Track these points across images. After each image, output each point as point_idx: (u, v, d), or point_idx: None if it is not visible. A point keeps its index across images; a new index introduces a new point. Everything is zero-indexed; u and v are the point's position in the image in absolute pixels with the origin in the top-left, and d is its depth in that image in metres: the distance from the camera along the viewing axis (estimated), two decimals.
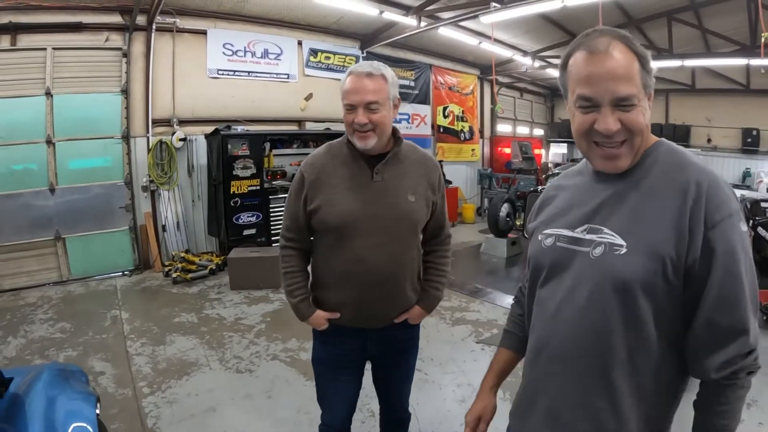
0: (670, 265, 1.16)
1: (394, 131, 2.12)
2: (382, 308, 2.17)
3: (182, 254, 7.75)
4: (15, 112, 6.87)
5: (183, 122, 8.40)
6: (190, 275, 7.23)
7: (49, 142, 7.11)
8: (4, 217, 6.88)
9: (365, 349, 2.26)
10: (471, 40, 10.57)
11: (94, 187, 7.55)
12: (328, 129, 9.73)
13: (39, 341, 5.00)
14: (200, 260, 7.67)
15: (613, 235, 1.23)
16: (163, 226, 8.08)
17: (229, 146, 7.81)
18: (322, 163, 2.11)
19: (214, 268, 7.53)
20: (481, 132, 14.95)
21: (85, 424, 2.16)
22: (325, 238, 2.13)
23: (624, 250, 1.19)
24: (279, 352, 4.77)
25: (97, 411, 2.43)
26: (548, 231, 1.39)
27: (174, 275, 7.14)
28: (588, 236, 1.28)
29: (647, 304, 1.18)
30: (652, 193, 1.21)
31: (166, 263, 7.67)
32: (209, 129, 8.28)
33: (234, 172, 7.86)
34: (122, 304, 6.25)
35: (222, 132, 7.85)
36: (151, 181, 7.97)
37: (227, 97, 8.87)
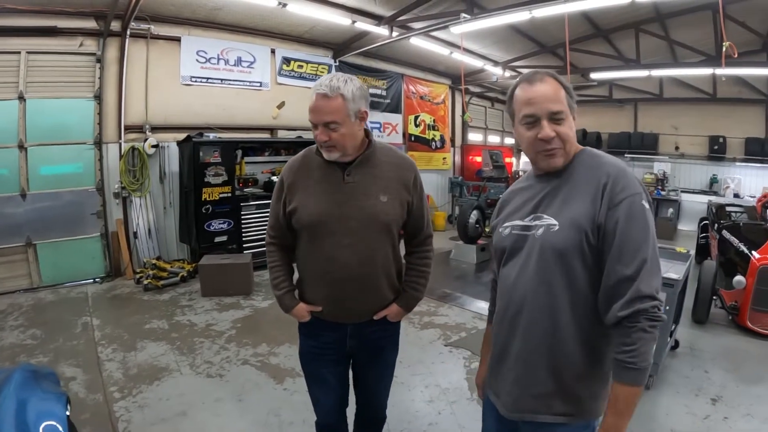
0: (591, 234, 1.56)
1: (367, 134, 2.23)
2: (355, 305, 2.27)
3: (153, 261, 7.71)
4: None
5: (155, 129, 8.37)
6: (162, 282, 7.20)
7: (21, 147, 7.04)
8: None
9: (344, 344, 2.35)
10: (442, 50, 10.79)
11: (65, 193, 7.48)
12: (300, 137, 9.82)
13: (9, 348, 4.98)
14: (171, 267, 7.66)
15: (549, 219, 1.65)
16: (135, 233, 8.03)
17: (201, 153, 7.82)
18: (299, 167, 2.27)
19: (185, 275, 7.52)
20: (453, 141, 15.17)
21: (55, 423, 2.22)
22: (302, 236, 2.26)
23: (557, 228, 1.62)
24: (249, 357, 4.83)
25: (68, 412, 2.50)
26: (506, 224, 1.81)
27: (145, 282, 7.11)
28: (533, 222, 1.69)
29: (578, 264, 1.59)
30: (577, 185, 1.63)
31: (138, 270, 7.63)
32: (181, 136, 8.28)
33: (206, 179, 7.86)
34: (93, 311, 6.22)
35: (194, 139, 7.85)
36: (123, 188, 7.92)
37: (200, 104, 8.87)
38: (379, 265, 2.25)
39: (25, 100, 7.02)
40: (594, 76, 12.15)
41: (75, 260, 7.55)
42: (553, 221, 1.63)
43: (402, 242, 2.44)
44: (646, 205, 1.56)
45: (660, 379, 4.23)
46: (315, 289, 2.29)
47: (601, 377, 1.66)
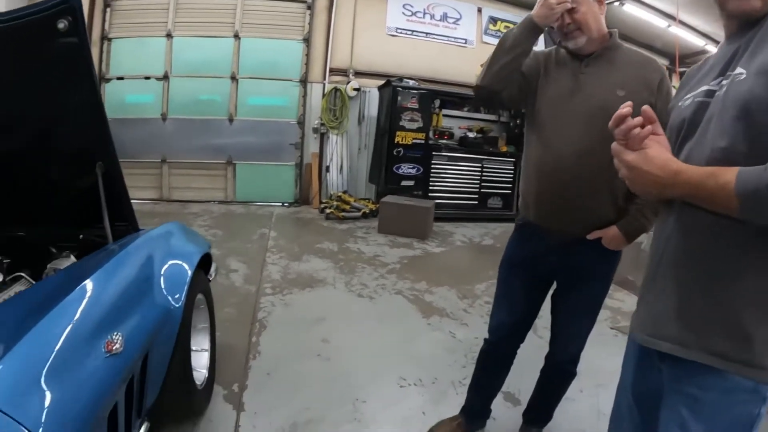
0: None
1: (610, 33, 2.02)
2: (567, 210, 1.94)
3: (339, 194, 8.03)
4: (206, 50, 7.93)
5: (358, 74, 8.68)
6: (343, 214, 7.45)
7: (233, 78, 8.01)
8: (185, 137, 8.01)
9: (546, 258, 2.05)
10: (660, 22, 9.33)
11: (268, 122, 8.24)
12: None
13: None
14: (355, 202, 7.86)
15: (738, 72, 1.10)
16: (327, 167, 8.43)
17: (399, 97, 7.86)
18: (546, 55, 2.07)
19: (367, 212, 7.66)
20: None
21: (183, 264, 2.27)
22: (529, 125, 2.08)
23: (743, 76, 1.08)
24: (404, 289, 4.66)
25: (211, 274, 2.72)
26: (688, 95, 1.26)
27: (327, 211, 7.44)
28: (721, 83, 1.15)
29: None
30: None
31: (323, 201, 8.01)
32: (382, 83, 8.45)
33: (401, 123, 7.88)
34: (273, 225, 6.68)
35: (394, 83, 7.94)
36: (322, 124, 8.37)
37: (403, 55, 8.92)
38: (603, 169, 1.80)
39: (239, 38, 7.97)
40: None
41: (268, 183, 8.32)
42: (741, 70, 1.09)
43: None
44: None
45: None
46: (529, 183, 2.04)
47: None
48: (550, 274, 2.12)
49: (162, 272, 2.09)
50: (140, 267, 1.99)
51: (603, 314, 4.55)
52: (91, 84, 2.20)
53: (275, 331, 3.57)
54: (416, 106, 7.95)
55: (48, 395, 1.17)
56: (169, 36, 7.86)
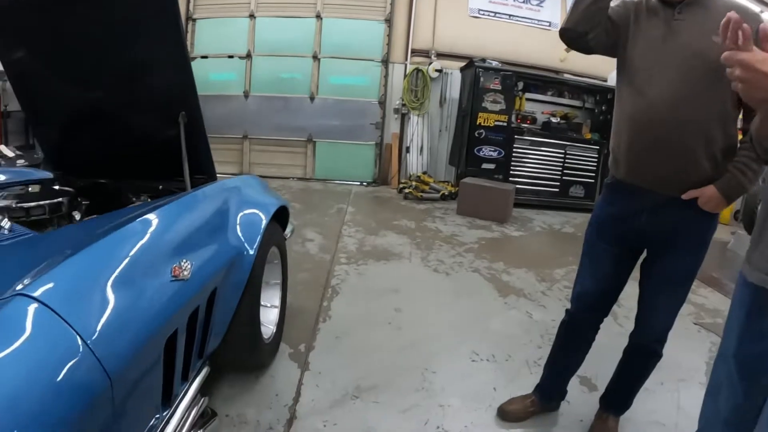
0: None
1: None
2: (661, 166, 1.79)
3: (419, 175, 7.93)
4: (289, 30, 8.12)
5: (440, 55, 8.54)
6: (421, 194, 7.37)
7: (315, 57, 8.17)
8: (267, 114, 8.25)
9: (636, 219, 1.90)
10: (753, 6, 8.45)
11: (349, 102, 8.30)
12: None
13: None
14: (434, 183, 7.75)
15: None
16: (407, 148, 8.36)
17: (482, 78, 7.64)
18: (637, 3, 1.91)
19: (446, 194, 7.54)
20: None
21: (259, 212, 2.27)
22: (620, 77, 1.93)
23: None
24: (482, 268, 4.52)
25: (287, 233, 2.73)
26: None
27: (406, 191, 7.38)
28: None
29: None
30: None
31: (402, 181, 7.95)
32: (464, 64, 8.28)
33: (483, 104, 7.65)
34: (351, 202, 6.72)
35: (476, 63, 7.73)
36: (403, 105, 8.32)
37: (486, 37, 8.69)
38: (700, 120, 1.71)
39: (321, 18, 8.09)
40: None
41: (347, 162, 8.38)
42: None
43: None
44: None
45: None
46: (620, 139, 1.90)
47: None
48: (639, 238, 1.94)
49: (237, 217, 2.09)
50: (216, 208, 2.00)
51: (687, 309, 4.26)
52: (177, 31, 2.23)
53: (347, 298, 3.56)
54: (499, 87, 7.71)
55: (105, 306, 1.16)
56: (252, 16, 8.13)
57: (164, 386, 1.42)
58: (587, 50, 1.96)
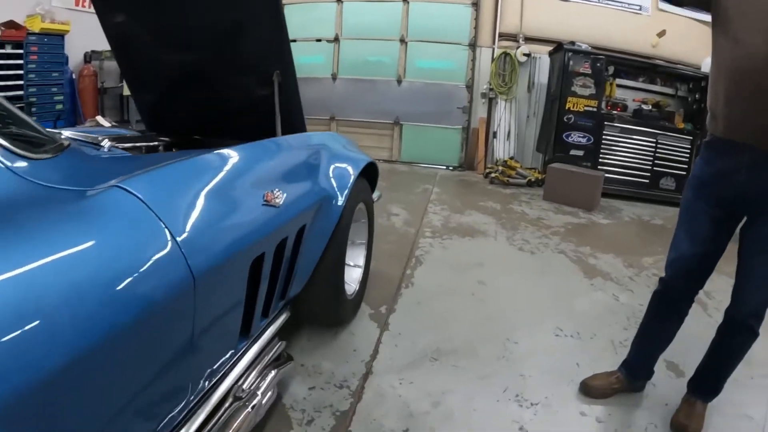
0: None
1: None
2: (757, 116, 1.66)
3: (505, 160, 7.78)
4: (376, 14, 8.12)
5: (528, 39, 8.28)
6: (508, 179, 7.21)
7: (402, 41, 8.11)
8: (354, 97, 8.30)
9: (736, 178, 1.78)
10: None
11: (436, 85, 8.19)
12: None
13: None
14: (521, 169, 7.57)
15: None
16: (494, 133, 8.19)
17: (571, 62, 7.37)
18: None
19: (532, 180, 7.32)
20: None
21: (348, 165, 2.30)
22: (716, 28, 1.80)
23: None
24: (568, 250, 4.36)
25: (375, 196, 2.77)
26: None
27: (492, 176, 7.24)
28: None
29: None
30: None
31: (488, 166, 7.80)
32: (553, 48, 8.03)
33: (572, 89, 7.37)
34: (437, 183, 6.69)
35: (565, 47, 7.46)
36: (491, 89, 8.13)
37: (575, 21, 8.30)
38: None
39: (408, 2, 8.05)
40: None
41: (433, 146, 8.27)
42: None
43: None
44: None
45: None
46: (717, 93, 1.78)
47: None
48: (738, 199, 1.80)
49: (329, 165, 2.14)
50: (309, 155, 2.05)
51: None
52: None
53: (431, 268, 3.56)
54: (588, 71, 7.39)
55: (197, 211, 1.20)
56: (339, 1, 8.24)
57: (244, 317, 1.45)
58: (679, 1, 1.86)
